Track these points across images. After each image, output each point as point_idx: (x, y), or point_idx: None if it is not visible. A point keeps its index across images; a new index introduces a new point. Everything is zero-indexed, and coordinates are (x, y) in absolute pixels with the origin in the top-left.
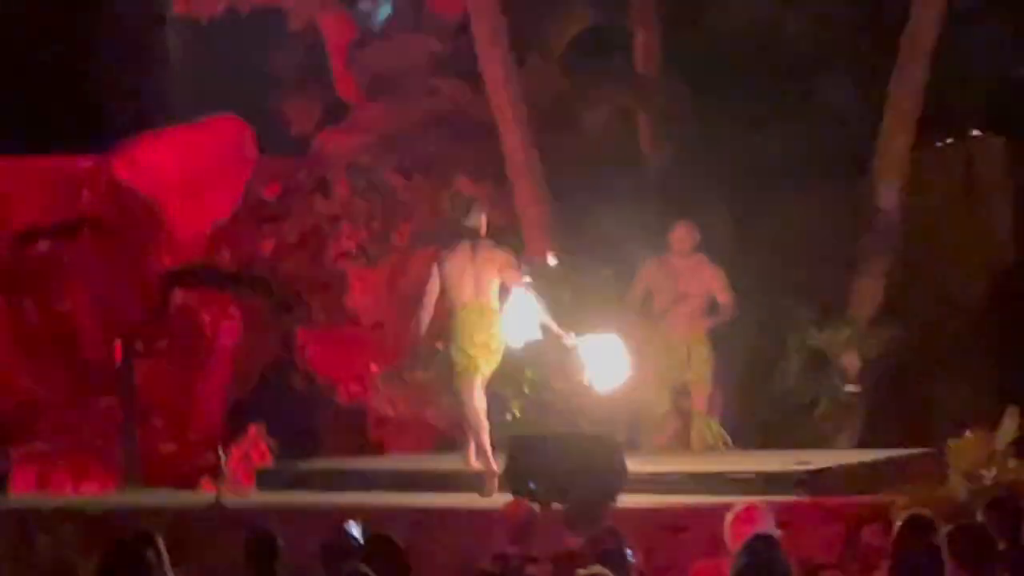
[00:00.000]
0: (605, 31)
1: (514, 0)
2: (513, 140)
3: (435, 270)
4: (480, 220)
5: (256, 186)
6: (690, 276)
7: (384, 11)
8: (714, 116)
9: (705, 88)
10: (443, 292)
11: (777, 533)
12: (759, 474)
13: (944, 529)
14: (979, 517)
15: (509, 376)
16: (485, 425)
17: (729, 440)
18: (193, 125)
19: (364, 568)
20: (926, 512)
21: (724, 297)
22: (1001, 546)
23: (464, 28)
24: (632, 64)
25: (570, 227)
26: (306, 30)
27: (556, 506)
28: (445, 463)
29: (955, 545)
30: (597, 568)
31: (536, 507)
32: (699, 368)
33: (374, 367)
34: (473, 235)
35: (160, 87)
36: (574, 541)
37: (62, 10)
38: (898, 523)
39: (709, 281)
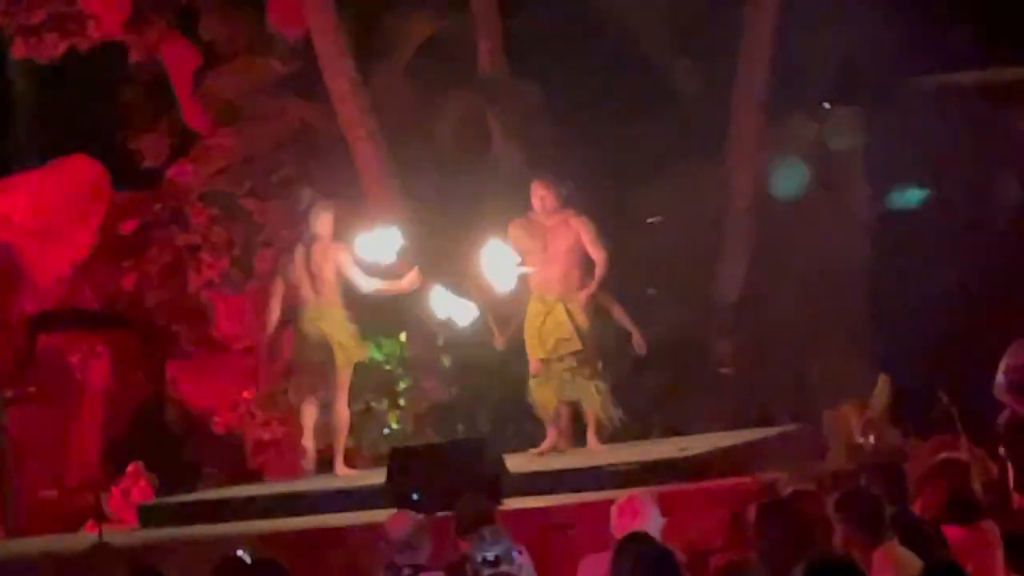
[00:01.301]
0: (449, 37)
1: (355, 14)
2: (365, 154)
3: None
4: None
5: (112, 223)
6: (556, 233)
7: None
8: (567, 113)
9: (555, 86)
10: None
11: (661, 522)
12: (640, 464)
13: (832, 497)
14: (862, 483)
15: (385, 388)
16: None
17: (620, 414)
18: (43, 168)
19: None
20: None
21: (595, 252)
22: (888, 511)
23: (307, 46)
24: (478, 67)
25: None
26: (149, 62)
27: (442, 514)
28: (327, 483)
29: (844, 510)
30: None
31: (422, 518)
32: (582, 330)
33: (247, 393)
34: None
35: (7, 132)
36: (466, 546)
37: None
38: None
39: (576, 236)
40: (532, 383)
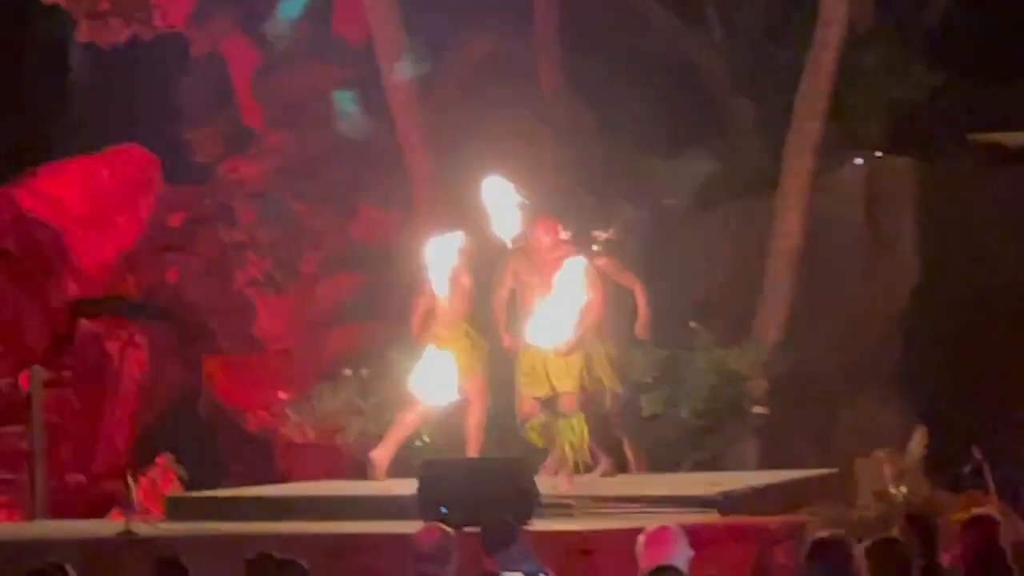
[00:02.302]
0: (510, 53)
1: (418, 25)
2: (419, 164)
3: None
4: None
5: (161, 215)
6: (555, 270)
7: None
8: (620, 140)
9: (610, 112)
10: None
11: (689, 555)
12: (671, 496)
13: (862, 544)
14: (895, 534)
15: None
16: None
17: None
18: (97, 155)
19: None
20: (837, 532)
21: (590, 292)
22: (917, 564)
23: (369, 53)
24: (536, 86)
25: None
26: (210, 57)
27: (470, 530)
28: (356, 489)
29: (874, 559)
30: None
31: (451, 532)
32: (572, 375)
33: (282, 394)
34: None
35: (63, 116)
36: (492, 564)
37: None
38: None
39: (576, 276)
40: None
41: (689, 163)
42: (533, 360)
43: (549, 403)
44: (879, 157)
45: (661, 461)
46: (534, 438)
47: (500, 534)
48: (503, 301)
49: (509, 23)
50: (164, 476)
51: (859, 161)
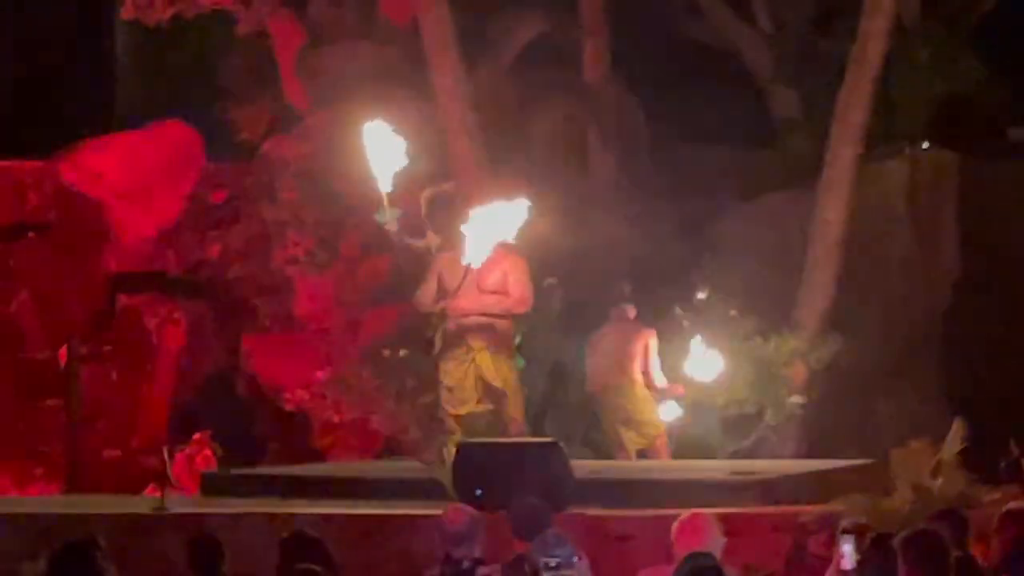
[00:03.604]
0: (555, 40)
1: (464, 8)
2: (462, 147)
3: None
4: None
5: (203, 191)
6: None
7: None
8: (663, 126)
9: (655, 100)
10: None
11: (723, 542)
12: (707, 483)
13: (898, 536)
14: (929, 525)
15: None
16: None
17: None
18: (140, 130)
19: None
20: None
21: (514, 290)
22: (952, 556)
23: (415, 35)
24: (581, 73)
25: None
26: (255, 35)
27: (503, 512)
28: (391, 470)
29: (909, 551)
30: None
31: (477, 513)
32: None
33: (320, 374)
34: None
35: (107, 92)
36: (522, 547)
37: (9, 15)
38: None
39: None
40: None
41: (734, 153)
42: None
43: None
44: (923, 150)
45: (698, 449)
46: None
47: (532, 519)
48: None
49: (555, 8)
50: (201, 452)
51: (903, 153)
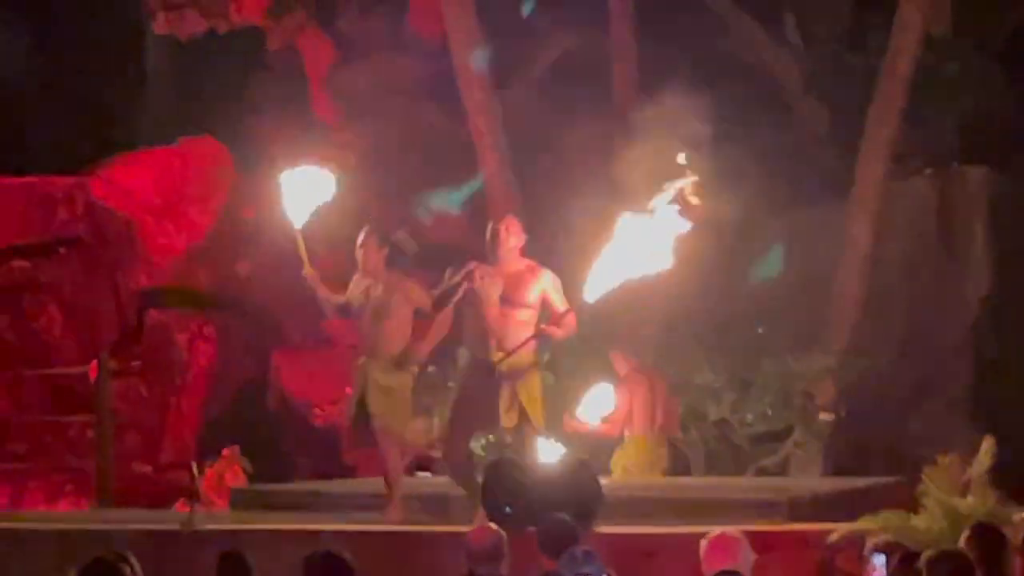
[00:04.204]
0: (585, 55)
1: (494, 24)
2: (491, 164)
3: None
4: None
5: (233, 207)
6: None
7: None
8: (691, 145)
9: (684, 113)
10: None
11: (752, 559)
12: (736, 500)
13: (926, 555)
14: (961, 545)
15: None
16: None
17: None
18: (171, 146)
19: None
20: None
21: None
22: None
23: (445, 51)
24: (611, 90)
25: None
26: (285, 51)
27: (531, 530)
28: (419, 487)
29: (936, 570)
30: None
31: (502, 531)
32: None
33: (349, 390)
34: None
35: (138, 107)
36: (550, 564)
37: (41, 28)
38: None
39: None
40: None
41: (762, 167)
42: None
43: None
44: (953, 166)
45: (727, 465)
46: None
47: (560, 536)
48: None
49: (585, 23)
50: (230, 468)
51: (932, 169)
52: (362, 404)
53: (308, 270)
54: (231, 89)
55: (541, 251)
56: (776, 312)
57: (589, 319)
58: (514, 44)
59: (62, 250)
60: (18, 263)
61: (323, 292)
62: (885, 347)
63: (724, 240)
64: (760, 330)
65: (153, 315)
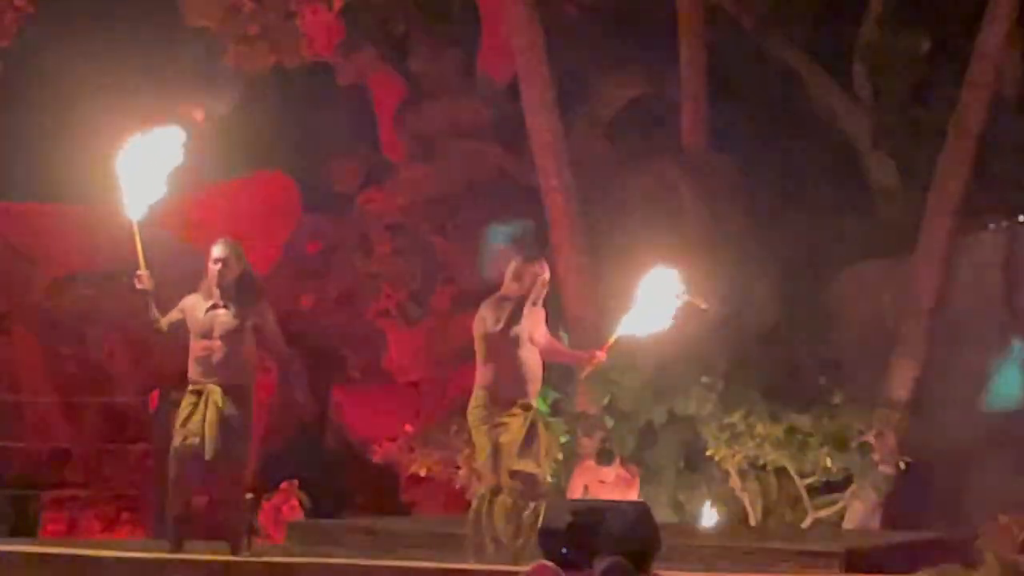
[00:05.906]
0: (654, 102)
1: (564, 66)
2: (557, 207)
3: None
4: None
5: (298, 242)
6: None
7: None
8: (761, 193)
9: (753, 166)
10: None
11: None
12: (793, 550)
13: None
14: None
15: None
16: None
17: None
18: (238, 180)
19: None
20: None
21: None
22: None
23: (513, 92)
24: (679, 136)
25: (611, 294)
26: (354, 88)
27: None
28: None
29: None
30: None
31: (562, 572)
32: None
33: (408, 427)
34: None
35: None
36: None
37: (106, 58)
38: None
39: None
40: None
41: (830, 220)
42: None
43: None
44: (1020, 222)
45: (784, 515)
46: None
47: None
48: None
49: (655, 71)
50: (287, 502)
51: (999, 225)
52: None
53: (143, 272)
54: (298, 124)
55: (610, 293)
56: (839, 364)
57: (654, 368)
58: (584, 86)
59: (124, 279)
60: (81, 291)
61: (153, 307)
62: (950, 401)
63: (788, 289)
64: (822, 381)
65: None
